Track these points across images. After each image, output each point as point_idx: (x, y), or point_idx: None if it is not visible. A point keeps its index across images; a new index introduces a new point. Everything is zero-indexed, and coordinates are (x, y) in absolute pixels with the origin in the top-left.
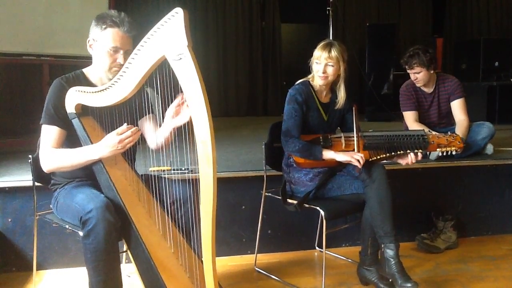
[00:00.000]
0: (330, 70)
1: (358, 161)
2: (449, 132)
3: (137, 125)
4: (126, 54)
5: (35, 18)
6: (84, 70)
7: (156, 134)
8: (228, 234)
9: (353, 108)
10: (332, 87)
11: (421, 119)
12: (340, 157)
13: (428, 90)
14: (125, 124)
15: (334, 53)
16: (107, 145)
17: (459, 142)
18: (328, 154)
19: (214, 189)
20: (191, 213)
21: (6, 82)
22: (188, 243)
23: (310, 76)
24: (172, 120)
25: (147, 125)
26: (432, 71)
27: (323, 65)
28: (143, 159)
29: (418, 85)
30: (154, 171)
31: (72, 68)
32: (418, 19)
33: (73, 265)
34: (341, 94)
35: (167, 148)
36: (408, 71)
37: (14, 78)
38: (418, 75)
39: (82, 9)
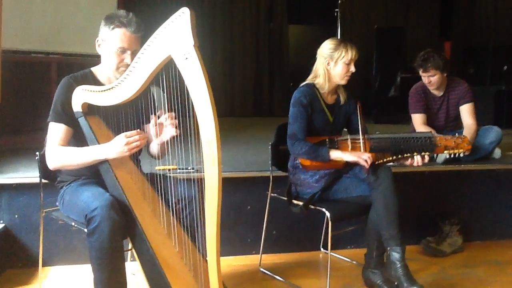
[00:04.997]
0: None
1: (366, 161)
2: (456, 134)
3: (143, 128)
4: (134, 55)
5: (43, 16)
6: (93, 68)
7: (151, 147)
8: (233, 234)
9: (357, 106)
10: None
11: (428, 122)
12: (348, 157)
13: (439, 93)
14: (137, 130)
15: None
16: (115, 146)
17: (467, 144)
18: (335, 154)
19: (219, 189)
20: (196, 213)
21: (14, 79)
22: (192, 242)
23: (311, 78)
24: (157, 138)
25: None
26: (445, 74)
27: (353, 64)
28: (149, 158)
29: (431, 88)
30: (160, 170)
31: (80, 66)
32: (426, 22)
33: (78, 262)
34: (341, 90)
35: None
36: (422, 74)
37: (22, 75)
38: (432, 78)
39: (90, 7)
